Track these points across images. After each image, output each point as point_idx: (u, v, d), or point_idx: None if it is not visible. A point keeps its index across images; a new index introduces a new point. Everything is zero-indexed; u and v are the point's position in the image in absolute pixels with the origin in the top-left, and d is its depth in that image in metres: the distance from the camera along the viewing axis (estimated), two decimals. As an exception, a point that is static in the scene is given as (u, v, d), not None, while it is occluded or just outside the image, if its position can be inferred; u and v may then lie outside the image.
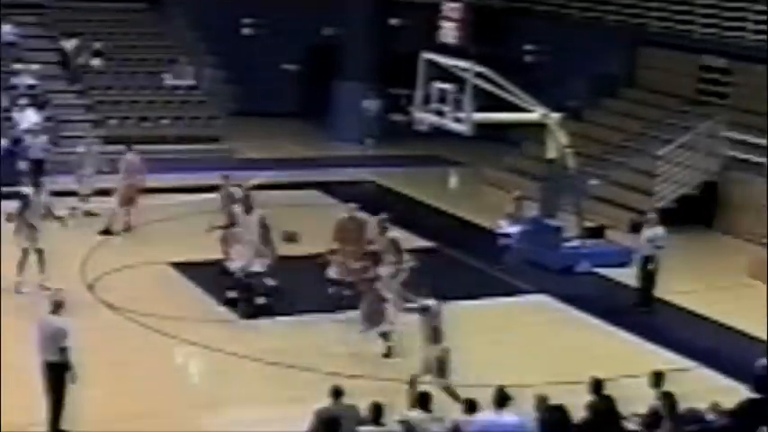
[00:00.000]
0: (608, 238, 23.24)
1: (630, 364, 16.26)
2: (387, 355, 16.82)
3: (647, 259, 19.88)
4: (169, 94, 30.96)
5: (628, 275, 20.56)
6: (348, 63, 33.11)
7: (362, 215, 19.27)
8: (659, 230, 20.01)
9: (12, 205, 22.89)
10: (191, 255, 20.87)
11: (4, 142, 26.23)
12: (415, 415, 12.22)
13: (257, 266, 18.34)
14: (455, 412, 12.40)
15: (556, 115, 22.26)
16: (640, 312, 19.69)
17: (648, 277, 19.98)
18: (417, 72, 22.40)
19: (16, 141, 26.65)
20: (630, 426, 13.16)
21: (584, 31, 31.40)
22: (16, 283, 18.68)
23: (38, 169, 24.71)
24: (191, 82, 31.33)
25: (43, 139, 25.73)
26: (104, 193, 23.21)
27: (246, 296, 18.41)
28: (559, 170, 22.63)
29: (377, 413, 11.94)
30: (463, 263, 22.15)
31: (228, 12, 34.13)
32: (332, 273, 18.90)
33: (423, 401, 12.27)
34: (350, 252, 18.75)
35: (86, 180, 23.68)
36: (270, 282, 18.41)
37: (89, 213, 23.43)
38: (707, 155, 26.02)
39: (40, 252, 19.00)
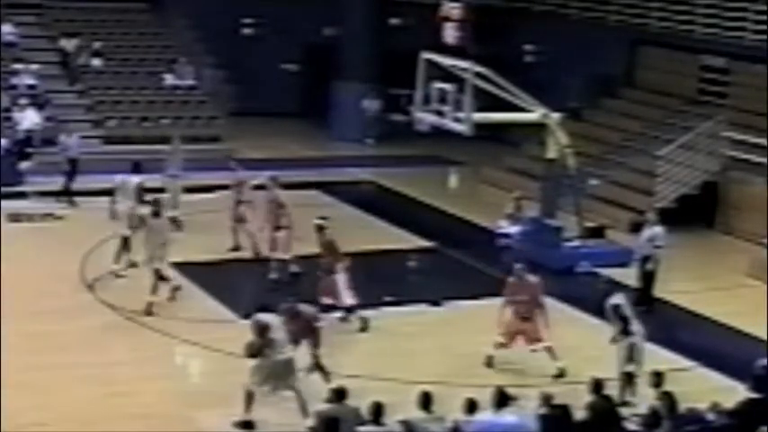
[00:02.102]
0: (608, 238, 23.25)
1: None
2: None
3: (647, 259, 19.89)
4: (169, 94, 30.97)
5: (628, 275, 20.55)
6: (348, 63, 33.12)
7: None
8: (658, 230, 20.01)
9: (11, 205, 23.03)
10: (191, 255, 20.85)
11: (5, 142, 26.23)
12: (418, 415, 12.23)
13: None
14: (455, 412, 12.39)
15: (556, 115, 22.26)
16: (640, 312, 19.66)
17: (647, 277, 19.98)
18: (417, 72, 22.40)
19: (19, 142, 26.68)
20: (630, 426, 13.17)
21: (584, 30, 31.41)
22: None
23: (73, 169, 24.80)
24: (191, 82, 31.34)
25: (76, 137, 25.67)
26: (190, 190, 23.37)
27: None
28: (559, 170, 22.63)
29: (377, 413, 11.94)
30: (463, 263, 22.15)
31: (228, 12, 34.14)
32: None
33: (424, 402, 12.26)
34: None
35: (173, 180, 23.31)
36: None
37: (174, 220, 22.60)
38: (707, 155, 26.02)
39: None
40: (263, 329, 14.25)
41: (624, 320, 15.78)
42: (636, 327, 15.74)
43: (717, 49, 28.36)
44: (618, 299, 16.07)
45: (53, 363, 15.90)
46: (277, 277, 19.88)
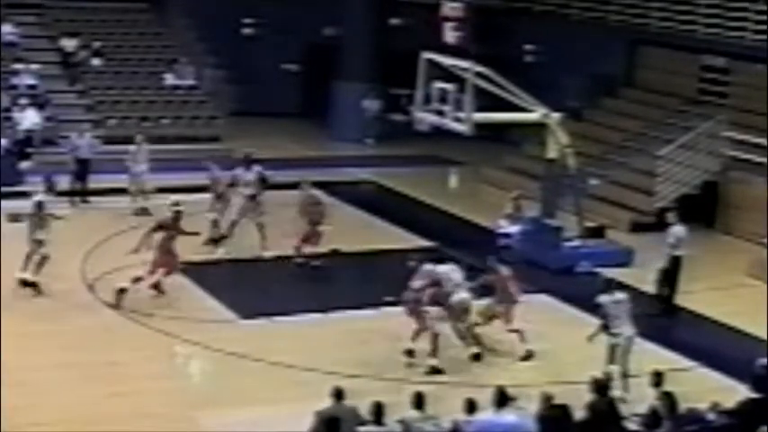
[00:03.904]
0: (608, 238, 23.25)
1: (630, 364, 16.24)
2: None
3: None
4: (169, 94, 30.98)
5: (628, 275, 20.53)
6: (348, 63, 33.12)
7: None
8: (675, 230, 19.98)
9: (12, 205, 23.01)
10: (191, 255, 20.84)
11: (5, 142, 26.24)
12: (411, 414, 12.22)
13: None
14: (455, 412, 12.39)
15: (556, 115, 22.25)
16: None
17: (666, 277, 19.99)
18: (417, 72, 22.39)
19: (19, 142, 26.67)
20: (630, 426, 13.17)
21: (584, 30, 31.41)
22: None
23: (83, 169, 24.82)
24: (191, 82, 31.34)
25: (88, 138, 25.64)
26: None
27: None
28: (559, 170, 22.62)
29: (377, 413, 11.94)
30: (463, 263, 22.13)
31: (228, 12, 34.13)
32: None
33: (417, 401, 12.26)
34: None
35: (137, 178, 24.12)
36: None
37: (144, 211, 23.52)
38: (707, 155, 26.02)
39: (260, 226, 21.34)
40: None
41: (605, 319, 15.80)
42: (623, 329, 15.73)
43: (717, 49, 28.35)
44: (603, 298, 16.06)
45: (53, 363, 15.90)
46: (320, 263, 20.75)
